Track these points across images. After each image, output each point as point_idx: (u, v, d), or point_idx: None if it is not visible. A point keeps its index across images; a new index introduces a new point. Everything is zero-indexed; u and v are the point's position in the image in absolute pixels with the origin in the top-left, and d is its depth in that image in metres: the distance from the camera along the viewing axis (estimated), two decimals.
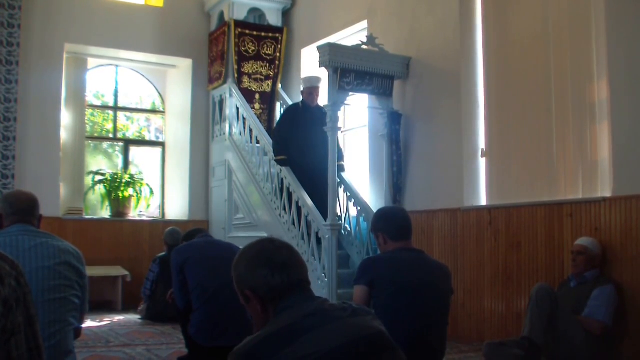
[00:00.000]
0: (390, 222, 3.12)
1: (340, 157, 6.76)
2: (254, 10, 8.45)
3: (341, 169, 6.75)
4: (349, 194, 6.73)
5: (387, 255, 3.05)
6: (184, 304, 4.26)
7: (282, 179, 6.68)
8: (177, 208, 8.92)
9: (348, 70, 6.01)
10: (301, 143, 6.60)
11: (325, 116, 6.02)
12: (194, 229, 4.95)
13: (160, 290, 6.36)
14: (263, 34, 8.30)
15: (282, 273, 1.73)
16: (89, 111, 8.83)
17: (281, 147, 6.67)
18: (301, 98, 6.93)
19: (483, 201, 5.66)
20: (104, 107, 9.17)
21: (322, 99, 6.58)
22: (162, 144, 9.32)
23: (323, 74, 6.44)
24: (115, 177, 8.58)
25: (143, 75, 9.18)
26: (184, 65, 8.92)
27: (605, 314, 4.11)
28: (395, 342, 1.77)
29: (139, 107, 9.39)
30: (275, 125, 7.46)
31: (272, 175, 7.04)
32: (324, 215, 5.99)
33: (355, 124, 7.77)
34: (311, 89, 6.79)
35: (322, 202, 6.15)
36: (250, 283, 1.75)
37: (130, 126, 9.39)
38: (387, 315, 2.76)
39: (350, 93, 6.18)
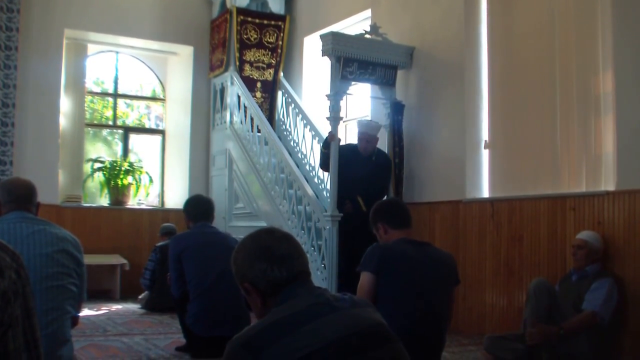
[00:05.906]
0: (390, 210, 3.14)
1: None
2: None
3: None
4: None
5: (393, 244, 3.02)
6: (180, 293, 4.27)
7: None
8: (176, 196, 8.87)
9: (351, 59, 5.95)
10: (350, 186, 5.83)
11: (381, 163, 5.82)
12: (199, 203, 4.63)
13: (160, 280, 6.32)
14: (265, 21, 8.22)
15: (281, 266, 1.72)
16: (88, 98, 8.76)
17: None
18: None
19: (485, 193, 5.62)
20: (104, 94, 9.10)
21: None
22: (162, 132, 9.26)
23: (325, 64, 6.36)
24: (115, 164, 8.53)
25: (143, 62, 9.10)
26: (185, 53, 8.85)
27: (600, 305, 4.03)
28: (396, 333, 1.76)
29: (139, 94, 9.32)
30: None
31: (272, 164, 6.99)
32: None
33: (358, 114, 7.71)
34: (367, 137, 5.85)
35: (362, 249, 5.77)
36: (249, 276, 1.74)
37: (130, 113, 9.33)
38: (389, 304, 2.75)
39: (353, 82, 6.13)
